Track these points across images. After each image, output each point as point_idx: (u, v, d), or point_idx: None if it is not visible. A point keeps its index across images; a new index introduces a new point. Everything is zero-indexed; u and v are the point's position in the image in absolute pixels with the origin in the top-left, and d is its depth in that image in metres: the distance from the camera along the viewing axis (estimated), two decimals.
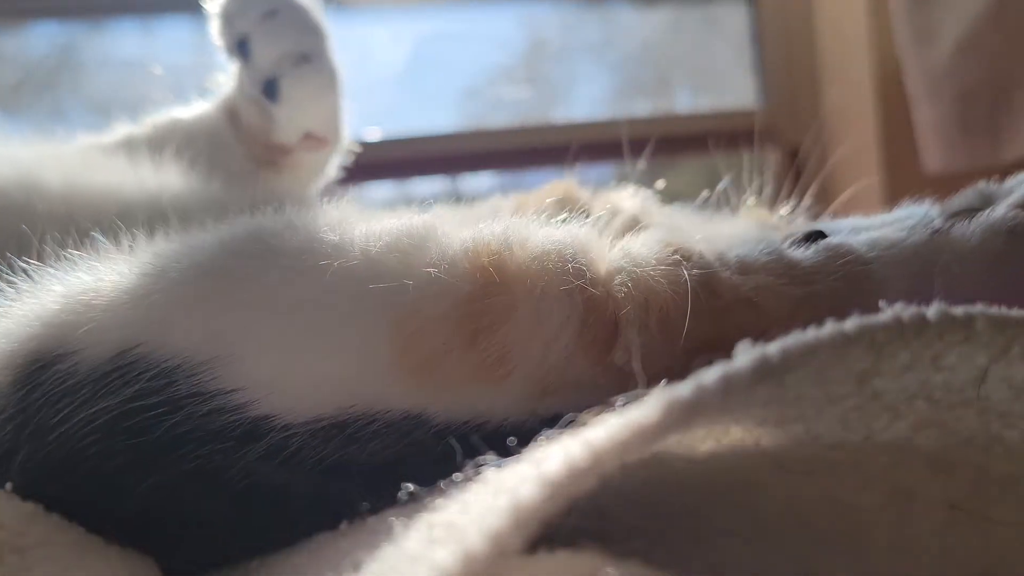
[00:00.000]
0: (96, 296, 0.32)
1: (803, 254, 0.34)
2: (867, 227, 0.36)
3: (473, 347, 0.31)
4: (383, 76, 1.40)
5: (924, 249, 0.34)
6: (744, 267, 0.33)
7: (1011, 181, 0.37)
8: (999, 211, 0.34)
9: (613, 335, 0.32)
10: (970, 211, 0.35)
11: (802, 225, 0.41)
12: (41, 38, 1.31)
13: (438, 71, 1.47)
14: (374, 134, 1.26)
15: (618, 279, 0.33)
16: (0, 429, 0.31)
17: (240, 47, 0.66)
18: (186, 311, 0.32)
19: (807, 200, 0.61)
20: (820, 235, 0.36)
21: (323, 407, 0.30)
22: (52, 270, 0.35)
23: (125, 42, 1.33)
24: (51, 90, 1.29)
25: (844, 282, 0.33)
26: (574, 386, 0.32)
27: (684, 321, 0.31)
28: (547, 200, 0.56)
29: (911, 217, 0.36)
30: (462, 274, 0.32)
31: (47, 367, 0.31)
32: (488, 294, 0.32)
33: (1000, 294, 0.32)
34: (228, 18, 0.66)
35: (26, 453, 0.31)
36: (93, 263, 0.34)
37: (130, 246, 0.36)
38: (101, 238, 0.36)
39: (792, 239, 0.36)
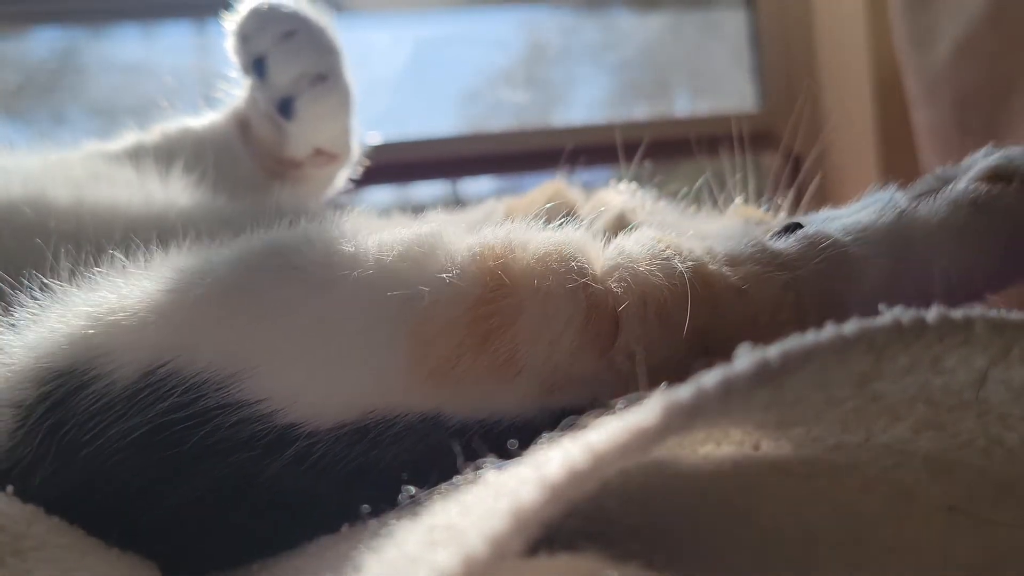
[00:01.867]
0: (123, 315, 0.33)
1: (784, 244, 0.36)
2: (839, 216, 0.38)
3: (484, 348, 0.32)
4: (383, 79, 1.40)
5: (895, 227, 0.35)
6: (732, 259, 0.35)
7: (967, 160, 0.39)
8: (961, 185, 0.36)
9: (615, 330, 0.33)
10: (933, 192, 0.37)
11: (781, 220, 0.43)
12: (43, 42, 1.31)
13: (438, 74, 1.47)
14: (374, 137, 1.26)
15: (616, 275, 0.34)
16: (20, 442, 0.32)
17: (256, 66, 0.65)
18: (212, 327, 0.32)
19: (805, 202, 0.61)
20: (797, 226, 0.38)
21: (346, 413, 0.31)
22: (75, 288, 0.35)
23: (126, 47, 1.33)
24: (53, 94, 1.29)
25: (825, 265, 0.34)
26: (579, 382, 0.33)
27: (681, 312, 0.32)
28: (539, 201, 0.57)
29: (878, 201, 0.38)
30: (472, 278, 0.33)
31: (81, 388, 0.32)
32: (496, 296, 0.33)
33: (969, 265, 0.34)
34: (245, 37, 0.65)
35: (51, 470, 0.31)
36: (115, 280, 0.35)
37: (146, 262, 0.37)
38: (118, 254, 0.37)
39: (772, 232, 0.37)
